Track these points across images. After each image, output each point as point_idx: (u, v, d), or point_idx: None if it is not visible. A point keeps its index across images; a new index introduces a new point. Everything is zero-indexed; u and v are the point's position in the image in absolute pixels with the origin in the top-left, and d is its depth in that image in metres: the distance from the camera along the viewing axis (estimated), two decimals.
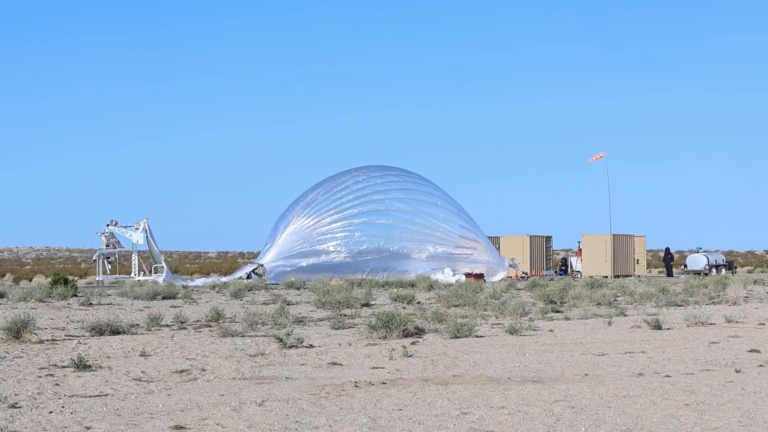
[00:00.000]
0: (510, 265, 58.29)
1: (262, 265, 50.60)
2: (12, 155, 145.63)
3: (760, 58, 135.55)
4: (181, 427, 10.74)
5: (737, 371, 15.05)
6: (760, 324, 23.81)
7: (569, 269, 62.36)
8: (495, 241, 62.10)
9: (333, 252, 51.63)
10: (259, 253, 53.40)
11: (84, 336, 20.71)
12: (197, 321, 24.50)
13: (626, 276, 58.97)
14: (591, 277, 53.44)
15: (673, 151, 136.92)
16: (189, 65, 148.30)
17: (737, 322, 24.20)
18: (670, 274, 61.98)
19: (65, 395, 12.98)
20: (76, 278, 54.03)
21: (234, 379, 14.59)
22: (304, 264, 51.06)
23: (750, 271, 72.89)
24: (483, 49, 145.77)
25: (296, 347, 18.52)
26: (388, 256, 52.69)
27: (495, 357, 17.19)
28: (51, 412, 11.68)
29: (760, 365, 15.78)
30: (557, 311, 27.83)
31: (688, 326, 22.83)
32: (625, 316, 26.23)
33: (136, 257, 49.97)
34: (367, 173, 55.16)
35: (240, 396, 12.90)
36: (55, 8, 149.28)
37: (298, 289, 41.11)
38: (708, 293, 34.06)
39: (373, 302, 31.82)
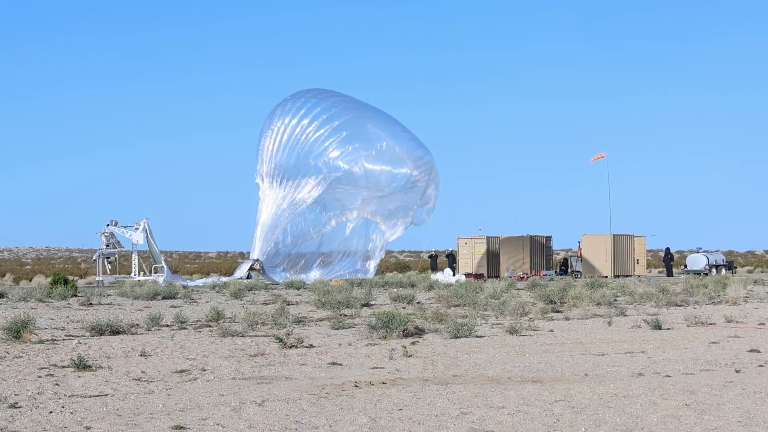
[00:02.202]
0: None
1: (258, 260, 50.36)
2: (12, 155, 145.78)
3: (760, 58, 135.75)
4: (181, 427, 10.74)
5: (737, 371, 15.04)
6: (760, 324, 23.81)
7: (569, 269, 62.39)
8: (495, 241, 62.11)
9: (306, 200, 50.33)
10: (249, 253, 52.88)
11: (84, 336, 20.71)
12: (197, 321, 24.51)
13: (626, 276, 58.98)
14: (591, 277, 53.46)
15: (674, 151, 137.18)
16: (189, 65, 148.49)
17: (737, 322, 24.20)
18: (670, 274, 61.98)
19: (65, 395, 12.98)
20: (76, 278, 54.06)
21: (234, 379, 14.58)
22: (283, 244, 50.19)
23: (750, 271, 72.89)
24: (483, 49, 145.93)
25: (296, 347, 18.52)
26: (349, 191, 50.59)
27: (495, 357, 17.19)
28: (51, 412, 11.67)
29: (760, 365, 15.78)
30: (557, 311, 27.84)
31: (688, 326, 22.83)
32: (625, 316, 26.22)
33: (136, 257, 49.97)
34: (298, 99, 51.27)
35: (240, 396, 12.90)
36: (56, 8, 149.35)
37: (298, 289, 41.12)
38: (708, 293, 34.05)
39: (373, 302, 31.83)
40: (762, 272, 72.60)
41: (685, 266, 61.49)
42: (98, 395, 13.00)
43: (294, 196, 49.99)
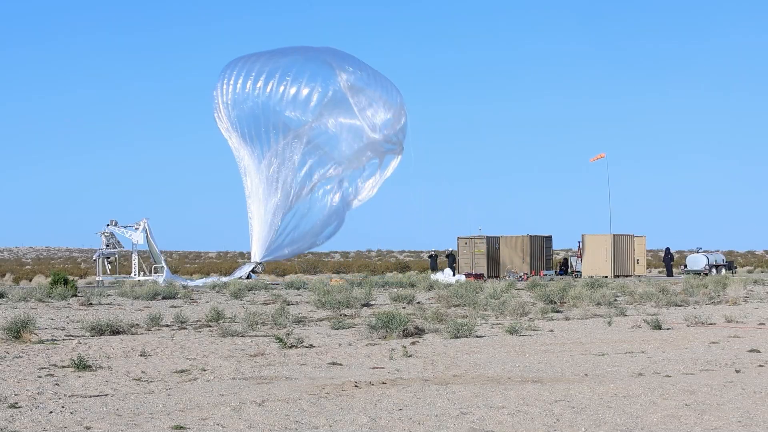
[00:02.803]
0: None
1: (260, 263, 50.29)
2: (12, 155, 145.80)
3: (760, 58, 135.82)
4: (181, 427, 10.73)
5: (737, 371, 15.04)
6: (760, 324, 23.80)
7: (569, 269, 62.37)
8: (495, 241, 62.13)
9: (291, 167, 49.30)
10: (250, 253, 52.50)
11: (84, 336, 20.71)
12: (197, 321, 24.51)
13: (626, 276, 58.96)
14: (591, 277, 53.47)
15: (673, 151, 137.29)
16: (189, 65, 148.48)
17: (737, 322, 24.19)
18: (670, 274, 61.96)
19: (65, 395, 12.98)
20: (76, 278, 54.05)
21: (234, 379, 14.58)
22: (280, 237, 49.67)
23: (750, 271, 72.87)
24: (483, 49, 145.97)
25: (296, 347, 18.52)
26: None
27: (495, 357, 17.18)
28: (51, 412, 11.67)
29: (760, 365, 15.77)
30: (557, 311, 27.83)
31: (688, 326, 22.82)
32: (625, 316, 26.22)
33: (136, 257, 49.97)
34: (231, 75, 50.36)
35: (240, 396, 12.90)
36: (56, 8, 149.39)
37: (298, 289, 41.12)
38: (708, 293, 34.04)
39: (373, 302, 31.83)
40: (762, 272, 72.59)
41: (685, 266, 61.48)
42: (98, 395, 13.00)
43: (277, 163, 49.01)
